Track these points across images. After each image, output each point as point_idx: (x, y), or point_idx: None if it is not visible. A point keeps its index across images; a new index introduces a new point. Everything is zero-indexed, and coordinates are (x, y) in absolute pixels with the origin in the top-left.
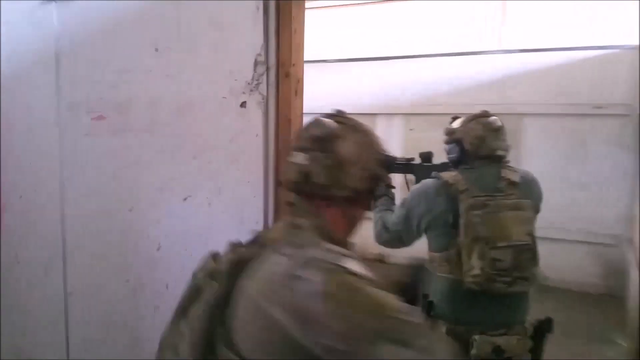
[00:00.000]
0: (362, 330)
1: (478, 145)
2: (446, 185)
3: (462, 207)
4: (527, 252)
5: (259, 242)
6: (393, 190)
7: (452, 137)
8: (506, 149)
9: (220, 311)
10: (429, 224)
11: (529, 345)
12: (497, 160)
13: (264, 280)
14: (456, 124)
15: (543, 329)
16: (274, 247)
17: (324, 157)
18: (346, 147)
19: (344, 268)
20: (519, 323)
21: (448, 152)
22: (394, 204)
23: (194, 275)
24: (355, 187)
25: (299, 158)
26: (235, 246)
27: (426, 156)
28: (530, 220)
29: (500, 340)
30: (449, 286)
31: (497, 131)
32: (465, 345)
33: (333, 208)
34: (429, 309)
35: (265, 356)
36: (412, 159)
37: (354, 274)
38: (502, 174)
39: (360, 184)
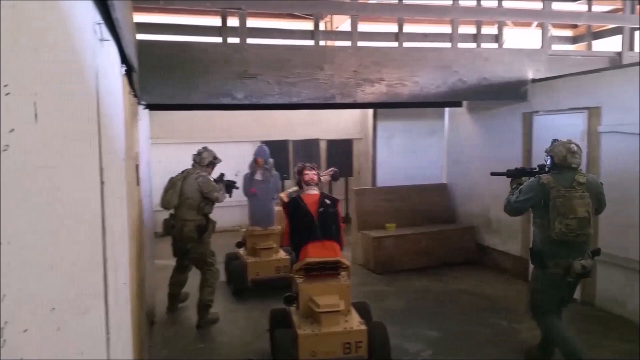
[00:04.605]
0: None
1: (562, 160)
2: (543, 183)
3: (551, 196)
4: (585, 220)
5: (182, 175)
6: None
7: (548, 154)
8: (578, 163)
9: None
10: (533, 204)
11: (592, 263)
12: (573, 169)
13: (193, 178)
14: (552, 146)
15: (595, 253)
16: (192, 174)
17: (198, 155)
18: (205, 154)
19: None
20: (586, 254)
21: (546, 162)
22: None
23: (172, 178)
24: (208, 164)
25: (196, 154)
26: (180, 173)
27: (541, 167)
28: (589, 204)
29: (583, 262)
30: (543, 237)
31: (574, 152)
32: (566, 267)
33: (206, 167)
34: (534, 251)
35: (195, 194)
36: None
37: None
38: (575, 177)
39: (208, 162)
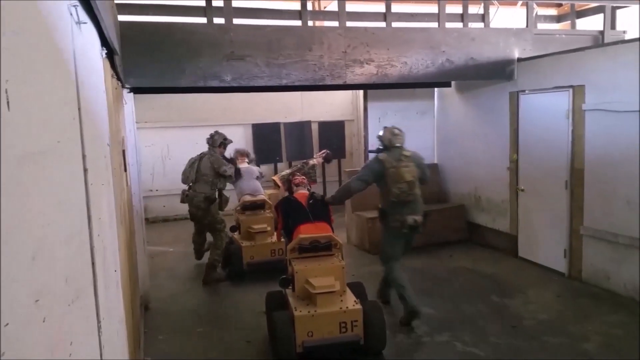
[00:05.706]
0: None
1: (389, 142)
2: (380, 160)
3: (386, 168)
4: (413, 184)
5: (199, 156)
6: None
7: (379, 138)
8: (402, 142)
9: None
10: (374, 176)
11: (422, 220)
12: (398, 147)
13: (207, 158)
14: (381, 131)
15: (427, 214)
16: (207, 154)
17: (211, 138)
18: (216, 137)
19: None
20: (418, 212)
21: (379, 144)
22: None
23: (191, 159)
24: (219, 144)
25: (209, 137)
26: (198, 155)
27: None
28: (415, 172)
29: (415, 217)
30: (385, 201)
31: (396, 135)
32: (402, 221)
33: (218, 148)
34: (380, 211)
35: (209, 171)
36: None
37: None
38: (402, 153)
39: (220, 142)
